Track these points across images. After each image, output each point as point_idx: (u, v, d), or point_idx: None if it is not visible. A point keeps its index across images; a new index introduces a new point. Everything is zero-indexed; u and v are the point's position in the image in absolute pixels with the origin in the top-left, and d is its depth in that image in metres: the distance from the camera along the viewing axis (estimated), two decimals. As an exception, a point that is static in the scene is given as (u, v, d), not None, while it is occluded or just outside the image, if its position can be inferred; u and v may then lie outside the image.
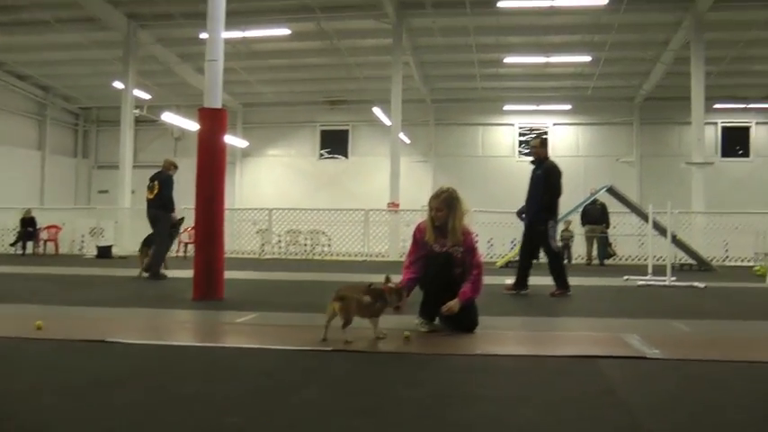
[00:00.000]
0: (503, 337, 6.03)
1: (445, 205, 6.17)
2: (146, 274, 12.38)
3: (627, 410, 3.57)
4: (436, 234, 6.18)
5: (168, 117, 29.27)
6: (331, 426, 3.21)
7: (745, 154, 32.45)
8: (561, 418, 3.46)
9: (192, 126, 26.67)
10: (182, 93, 31.07)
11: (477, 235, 20.97)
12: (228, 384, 4.10)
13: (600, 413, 3.56)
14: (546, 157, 10.67)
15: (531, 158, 10.92)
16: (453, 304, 5.96)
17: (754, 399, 3.99)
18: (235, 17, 22.02)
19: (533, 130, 33.25)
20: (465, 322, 6.07)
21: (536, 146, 10.84)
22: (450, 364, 4.82)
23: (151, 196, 12.63)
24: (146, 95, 29.63)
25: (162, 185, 12.49)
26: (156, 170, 13.00)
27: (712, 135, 31.66)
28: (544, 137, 10.87)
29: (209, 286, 8.85)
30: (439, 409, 3.55)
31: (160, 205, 12.47)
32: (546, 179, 10.32)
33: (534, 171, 10.56)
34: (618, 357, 5.03)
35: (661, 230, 16.03)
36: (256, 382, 4.19)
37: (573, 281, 13.79)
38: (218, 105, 9.18)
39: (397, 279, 5.91)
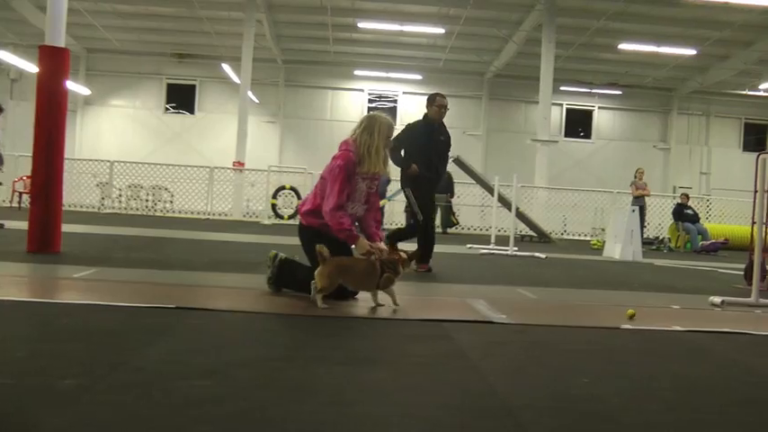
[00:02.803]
0: (345, 304, 5.83)
1: None
2: None
3: (480, 375, 3.50)
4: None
5: (4, 56, 27.15)
6: (167, 385, 2.97)
7: (587, 136, 33.76)
8: (414, 381, 3.35)
9: (31, 68, 25.04)
10: (20, 31, 28.80)
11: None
12: (65, 344, 3.71)
13: (454, 377, 3.47)
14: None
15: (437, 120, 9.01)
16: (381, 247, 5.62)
17: (596, 361, 4.08)
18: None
19: (383, 96, 33.40)
20: None
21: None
22: (294, 324, 4.68)
23: None
24: (-23, 32, 27.74)
25: None
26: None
27: (557, 115, 32.86)
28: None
29: (45, 238, 8.33)
30: (278, 371, 3.36)
31: None
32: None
33: (437, 136, 9.10)
34: (466, 321, 5.02)
35: (505, 203, 16.38)
36: (96, 340, 3.84)
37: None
38: (62, 44, 8.56)
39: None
